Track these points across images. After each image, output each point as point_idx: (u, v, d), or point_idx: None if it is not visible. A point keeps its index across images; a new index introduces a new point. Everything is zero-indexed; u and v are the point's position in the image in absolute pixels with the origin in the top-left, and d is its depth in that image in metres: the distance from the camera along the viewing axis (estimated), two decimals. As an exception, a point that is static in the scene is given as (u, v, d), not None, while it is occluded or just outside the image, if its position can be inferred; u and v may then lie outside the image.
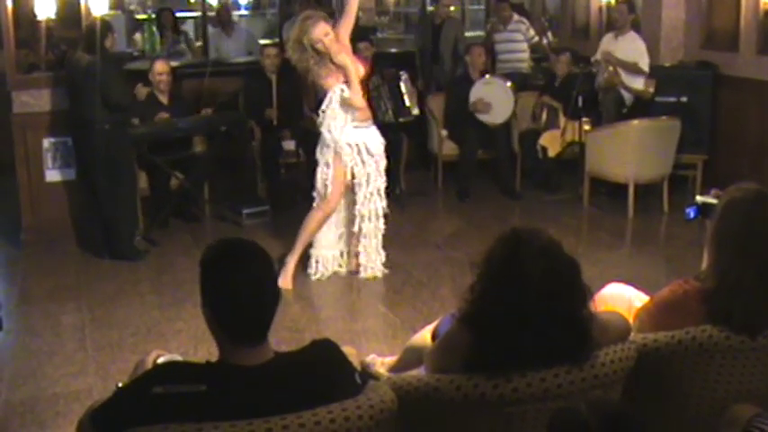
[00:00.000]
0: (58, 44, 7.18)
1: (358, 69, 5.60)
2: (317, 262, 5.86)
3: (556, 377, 2.38)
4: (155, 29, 9.96)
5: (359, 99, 5.55)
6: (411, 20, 12.76)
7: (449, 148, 8.21)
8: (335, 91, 5.54)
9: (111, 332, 5.04)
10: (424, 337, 3.15)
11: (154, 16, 10.55)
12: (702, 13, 7.93)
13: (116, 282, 5.91)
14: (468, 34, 10.33)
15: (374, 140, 5.69)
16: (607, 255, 6.42)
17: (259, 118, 7.58)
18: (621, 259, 6.47)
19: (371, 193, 5.70)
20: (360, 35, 7.11)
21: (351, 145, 5.60)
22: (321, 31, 5.43)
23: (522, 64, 8.81)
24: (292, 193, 7.39)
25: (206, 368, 2.21)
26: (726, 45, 7.63)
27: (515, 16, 8.78)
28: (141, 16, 11.39)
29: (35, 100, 6.79)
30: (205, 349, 4.52)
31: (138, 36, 10.22)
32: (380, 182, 5.74)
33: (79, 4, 6.74)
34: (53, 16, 7.01)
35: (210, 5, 10.79)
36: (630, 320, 2.80)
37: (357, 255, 5.86)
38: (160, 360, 2.50)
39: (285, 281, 5.56)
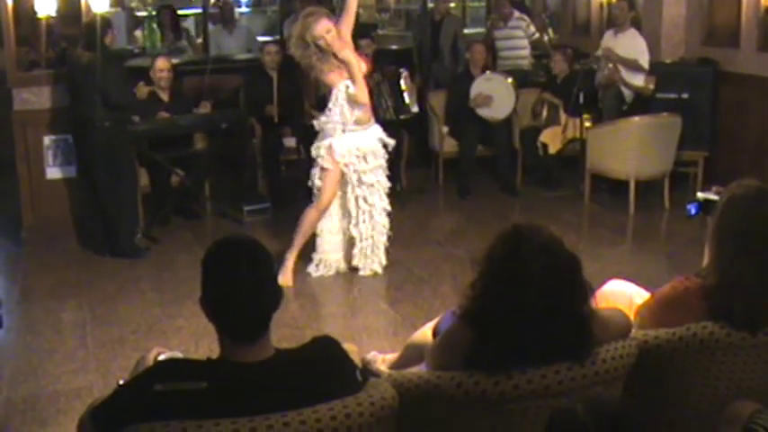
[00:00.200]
0: (59, 41, 7.19)
1: (360, 65, 5.60)
2: (317, 264, 5.86)
3: (557, 374, 2.38)
4: (155, 26, 9.95)
5: (364, 95, 5.54)
6: (412, 17, 12.74)
7: (450, 146, 8.21)
8: (340, 88, 5.53)
9: (111, 329, 5.04)
10: (424, 334, 3.15)
11: (154, 13, 10.54)
12: (703, 10, 7.92)
13: (117, 279, 5.91)
14: (468, 31, 10.34)
15: (371, 143, 5.67)
16: (608, 251, 6.42)
17: (260, 115, 7.58)
18: (622, 256, 6.47)
19: (364, 195, 5.69)
20: (361, 32, 7.10)
21: (345, 148, 5.58)
22: (323, 28, 5.42)
23: (522, 61, 8.80)
24: (293, 190, 7.38)
25: (207, 365, 2.21)
26: (726, 42, 7.62)
27: (516, 13, 8.76)
28: (142, 13, 11.38)
29: (36, 97, 6.80)
30: (206, 346, 4.52)
31: (138, 33, 10.22)
32: (376, 183, 5.73)
33: (79, 1, 6.74)
34: (53, 13, 7.02)
35: (212, 2, 10.78)
36: (631, 317, 2.80)
37: (356, 255, 5.87)
38: (161, 357, 2.51)
39: (285, 278, 5.56)
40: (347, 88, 5.51)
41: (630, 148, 7.11)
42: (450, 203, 7.97)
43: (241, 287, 2.15)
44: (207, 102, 7.29)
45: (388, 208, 5.85)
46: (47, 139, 6.85)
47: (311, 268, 5.85)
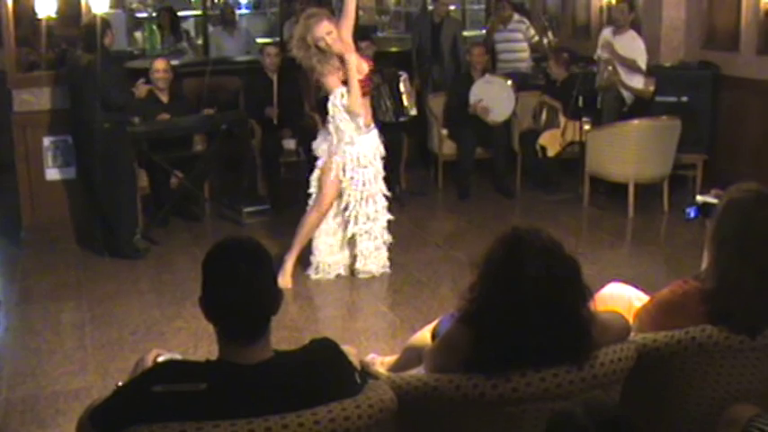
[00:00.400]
0: (59, 42, 7.18)
1: (362, 67, 5.59)
2: (316, 268, 5.86)
3: (555, 377, 2.39)
4: (155, 27, 9.96)
5: (357, 104, 5.51)
6: (412, 19, 12.76)
7: (449, 148, 8.21)
8: (336, 95, 5.52)
9: (110, 330, 5.04)
10: (423, 336, 3.15)
11: (155, 15, 10.55)
12: (703, 13, 7.93)
13: (116, 280, 5.91)
14: (468, 33, 10.35)
15: (369, 149, 5.66)
16: (607, 254, 6.42)
17: (259, 117, 7.59)
18: (621, 259, 6.47)
19: (362, 199, 5.68)
20: (360, 34, 7.10)
21: (347, 153, 5.58)
22: (323, 30, 5.42)
23: (522, 63, 8.81)
24: (292, 192, 7.38)
25: (205, 367, 2.21)
26: (726, 45, 7.63)
27: (515, 16, 8.77)
28: (142, 15, 11.39)
29: (35, 98, 6.79)
30: (205, 348, 4.53)
31: (138, 34, 10.23)
32: (374, 188, 5.71)
33: (79, 2, 6.74)
34: (53, 15, 7.01)
35: (212, 3, 10.80)
36: (630, 320, 2.80)
37: (355, 256, 5.86)
38: (160, 359, 2.51)
39: (284, 280, 5.56)
40: (342, 97, 5.51)
41: (630, 151, 7.11)
42: (449, 206, 7.97)
43: (241, 288, 2.15)
44: (210, 109, 7.28)
45: (387, 212, 5.84)
46: (46, 141, 6.85)
47: (310, 271, 5.85)
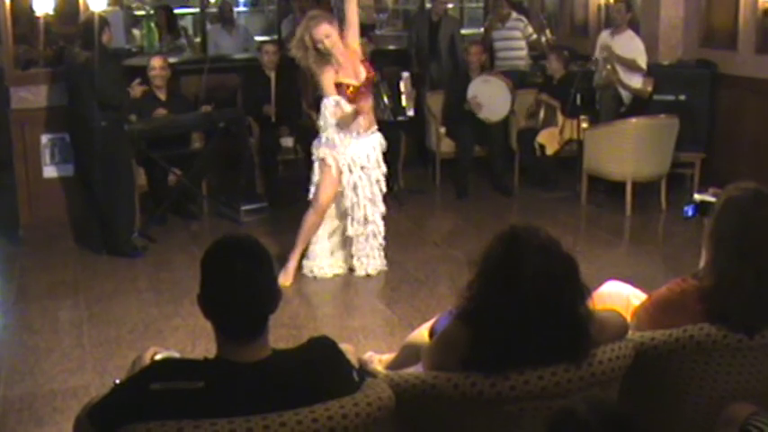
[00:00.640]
0: (56, 40, 7.17)
1: (359, 73, 5.56)
2: (311, 270, 5.85)
3: (554, 375, 2.39)
4: (153, 25, 9.95)
5: (346, 121, 5.49)
6: (410, 17, 12.75)
7: (447, 146, 8.22)
8: (328, 104, 5.50)
9: (108, 329, 5.04)
10: (421, 334, 3.15)
11: (153, 12, 10.54)
12: (701, 12, 7.93)
13: (114, 278, 5.91)
14: (466, 31, 10.33)
15: (363, 152, 5.64)
16: (605, 253, 6.42)
17: (257, 115, 7.58)
18: (619, 257, 6.47)
19: (359, 201, 5.67)
20: (358, 32, 7.08)
21: (347, 155, 5.58)
22: (322, 32, 5.41)
23: (520, 62, 8.79)
24: (290, 190, 7.38)
25: (203, 365, 2.21)
26: (724, 44, 7.63)
27: (513, 14, 8.77)
28: (140, 12, 11.38)
29: (33, 96, 6.80)
30: (202, 346, 4.53)
31: (136, 32, 10.21)
32: (371, 190, 5.70)
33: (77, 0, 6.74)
34: (51, 12, 7.01)
35: (210, 2, 10.78)
36: (628, 318, 2.80)
37: (352, 256, 5.87)
38: (158, 357, 2.51)
39: (286, 278, 5.59)
40: (336, 105, 5.49)
41: (628, 150, 7.11)
42: (447, 204, 7.97)
43: (239, 286, 2.15)
44: (207, 106, 7.28)
45: (384, 210, 5.84)
46: (44, 138, 6.85)
47: (306, 272, 5.85)
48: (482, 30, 9.60)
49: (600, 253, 6.35)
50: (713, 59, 7.76)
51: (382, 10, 13.57)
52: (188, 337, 4.83)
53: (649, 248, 6.63)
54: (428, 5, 9.45)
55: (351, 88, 5.51)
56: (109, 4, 8.21)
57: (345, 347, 2.43)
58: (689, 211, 3.44)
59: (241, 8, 13.00)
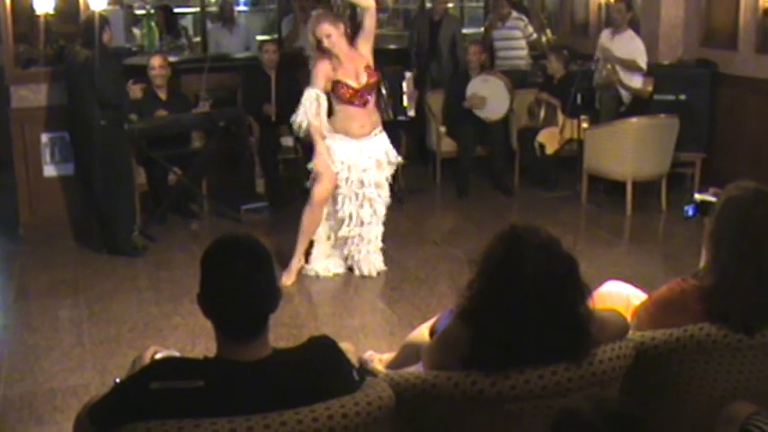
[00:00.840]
0: (57, 39, 7.18)
1: (360, 77, 5.54)
2: (313, 271, 5.85)
3: (554, 374, 2.39)
4: (153, 24, 9.95)
5: (315, 110, 5.49)
6: (410, 16, 12.75)
7: (447, 145, 8.22)
8: (307, 95, 5.50)
9: (108, 327, 5.04)
10: (422, 333, 3.15)
11: (153, 12, 10.54)
12: (701, 12, 7.93)
13: (114, 277, 5.91)
14: (466, 31, 10.33)
15: (367, 154, 5.62)
16: (605, 252, 6.42)
17: (257, 114, 7.57)
18: (619, 257, 6.47)
19: (355, 200, 5.66)
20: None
21: (345, 155, 5.57)
22: (322, 32, 5.42)
23: (520, 61, 8.80)
24: (291, 190, 7.38)
25: (203, 364, 2.21)
26: (725, 43, 7.63)
27: (514, 13, 8.76)
28: (140, 11, 11.38)
29: (33, 95, 6.80)
30: (203, 345, 4.53)
31: (137, 31, 10.21)
32: (368, 192, 5.68)
33: (78, -2, 6.74)
34: (51, 11, 7.01)
35: (210, 1, 10.78)
36: (628, 318, 2.80)
37: (351, 257, 5.86)
38: (158, 356, 2.51)
39: (288, 278, 5.60)
40: (317, 98, 5.48)
41: (628, 149, 7.11)
42: (447, 203, 7.97)
43: (239, 285, 2.15)
44: (206, 101, 7.27)
45: (384, 213, 5.83)
46: (44, 137, 6.85)
47: (307, 271, 5.85)
48: (482, 29, 9.61)
49: (600, 253, 6.35)
50: (713, 59, 7.75)
51: (382, 9, 13.56)
52: (188, 336, 4.83)
53: (649, 248, 6.63)
54: (428, 5, 9.44)
55: (349, 90, 5.50)
56: (109, 3, 8.21)
57: (346, 347, 2.43)
58: (689, 210, 3.44)
59: (242, 7, 12.99)
